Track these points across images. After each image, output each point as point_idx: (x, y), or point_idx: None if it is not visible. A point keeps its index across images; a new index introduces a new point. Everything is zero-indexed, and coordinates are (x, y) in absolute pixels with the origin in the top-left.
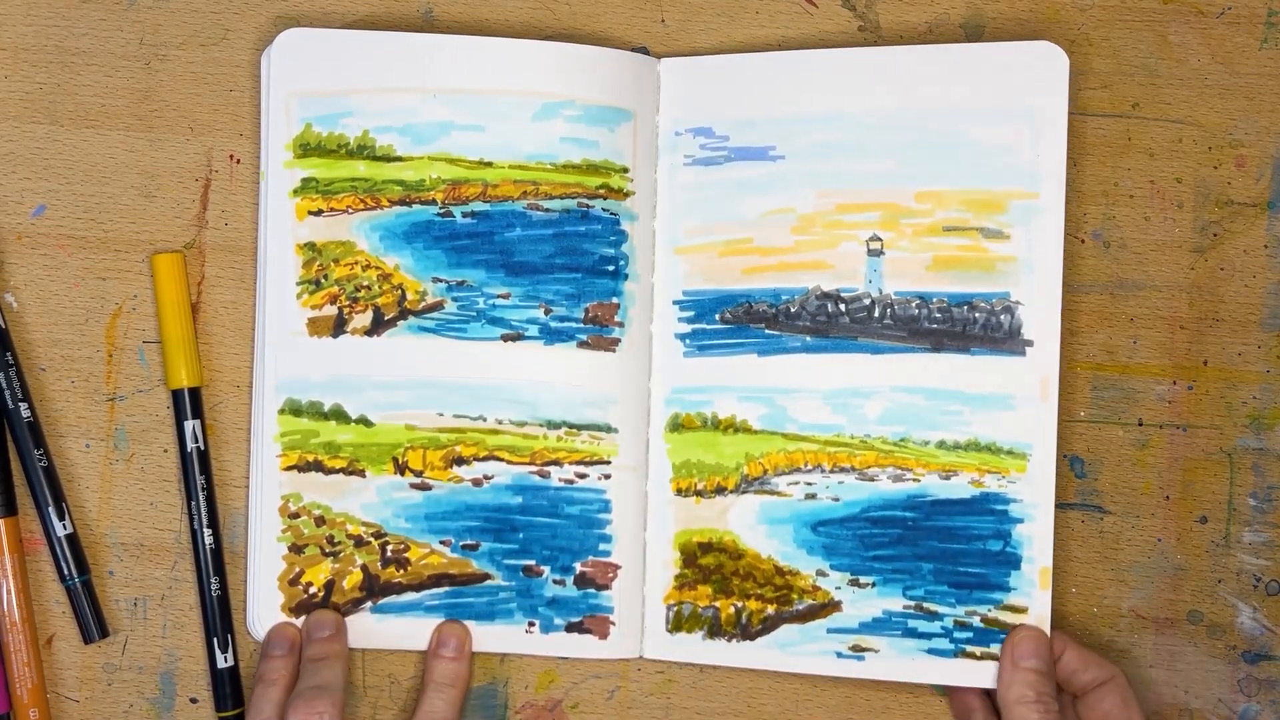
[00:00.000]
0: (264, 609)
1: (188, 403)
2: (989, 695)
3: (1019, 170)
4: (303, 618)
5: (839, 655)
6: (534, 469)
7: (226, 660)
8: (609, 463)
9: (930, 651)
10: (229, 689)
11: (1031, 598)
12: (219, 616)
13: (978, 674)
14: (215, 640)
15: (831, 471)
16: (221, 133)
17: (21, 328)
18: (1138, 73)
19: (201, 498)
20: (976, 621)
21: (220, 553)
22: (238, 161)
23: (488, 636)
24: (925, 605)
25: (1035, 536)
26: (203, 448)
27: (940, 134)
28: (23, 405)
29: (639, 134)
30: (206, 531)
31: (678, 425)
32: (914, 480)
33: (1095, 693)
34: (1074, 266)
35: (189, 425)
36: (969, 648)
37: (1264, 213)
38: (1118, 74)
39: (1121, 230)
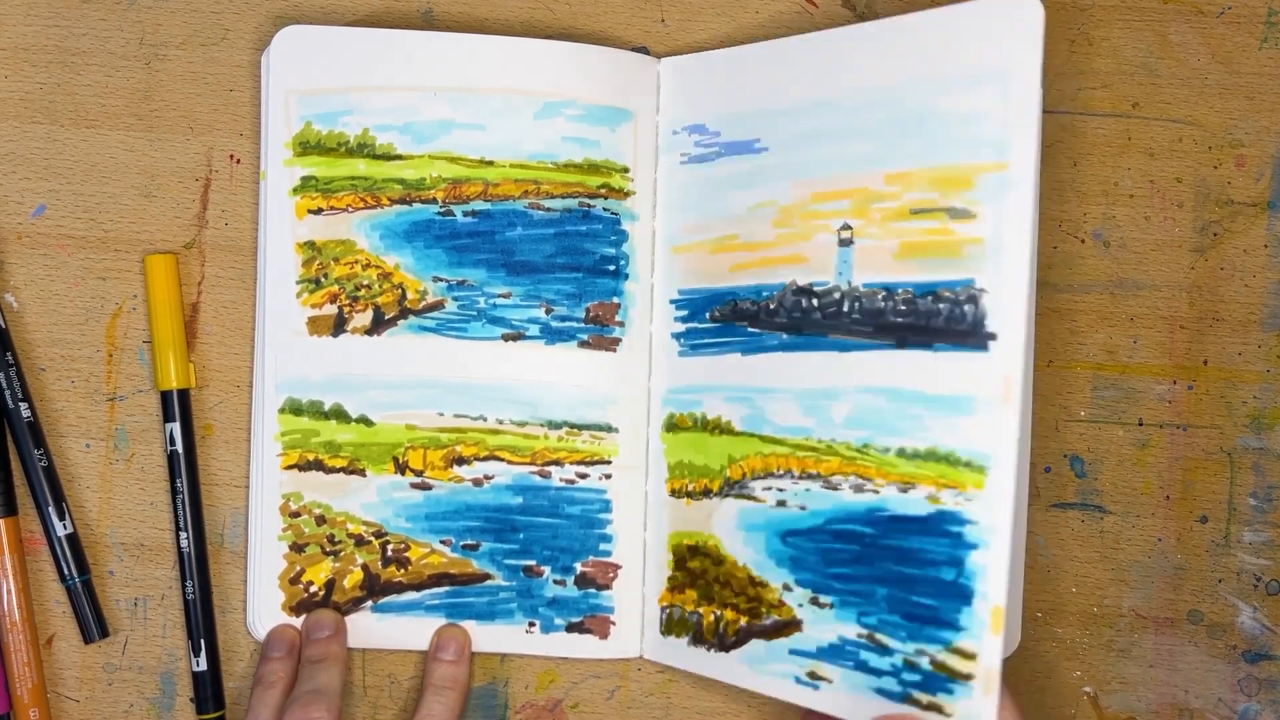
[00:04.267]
0: (264, 608)
1: (175, 404)
2: None
3: (987, 141)
4: (302, 617)
5: (797, 680)
6: (534, 469)
7: (199, 664)
8: (610, 463)
9: (879, 691)
10: (210, 691)
11: (982, 642)
12: (199, 619)
13: None
14: (190, 644)
15: (800, 478)
16: (221, 133)
17: (21, 328)
18: (1138, 73)
19: (179, 500)
20: (925, 664)
21: (204, 556)
22: (238, 161)
23: (488, 636)
24: (877, 636)
25: (989, 568)
26: (181, 450)
27: (911, 109)
28: (23, 405)
29: (639, 134)
30: (183, 535)
31: (673, 425)
32: (873, 492)
33: None
34: (1074, 266)
35: (169, 428)
36: (915, 693)
37: (1264, 213)
38: (1118, 74)
39: (1121, 230)
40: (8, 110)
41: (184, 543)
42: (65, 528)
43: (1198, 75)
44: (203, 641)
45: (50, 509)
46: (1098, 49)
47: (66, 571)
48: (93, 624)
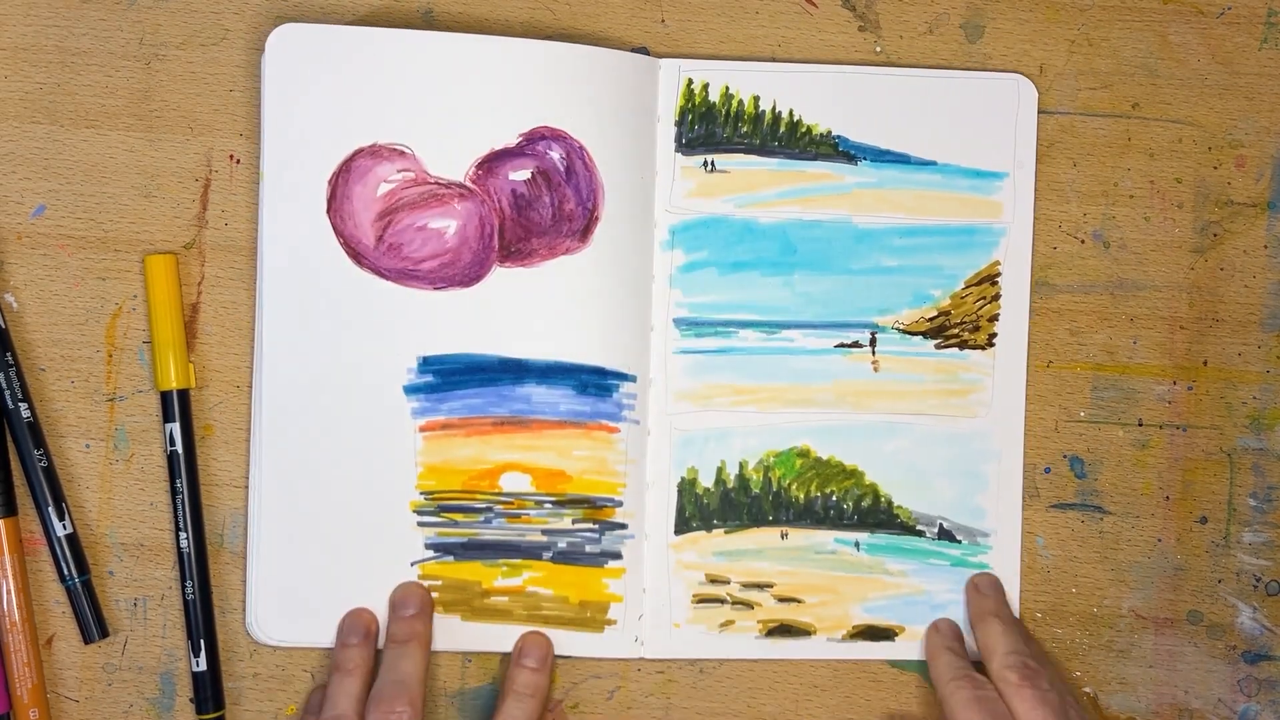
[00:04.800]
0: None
1: (175, 404)
2: None
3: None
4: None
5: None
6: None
7: (199, 664)
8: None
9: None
10: (209, 691)
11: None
12: (199, 619)
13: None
14: (189, 644)
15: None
16: (221, 133)
17: (21, 328)
18: (1138, 73)
19: (179, 500)
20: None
21: (204, 556)
22: (238, 161)
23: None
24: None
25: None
26: (181, 450)
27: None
28: (23, 405)
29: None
30: (183, 535)
31: None
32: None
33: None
34: (1074, 266)
35: (169, 428)
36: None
37: (1264, 213)
38: (1118, 74)
39: (1121, 230)
40: (8, 110)
41: (184, 543)
42: (65, 528)
43: (1198, 75)
44: (202, 642)
45: (50, 509)
46: (1098, 49)
47: (66, 571)
48: (92, 624)
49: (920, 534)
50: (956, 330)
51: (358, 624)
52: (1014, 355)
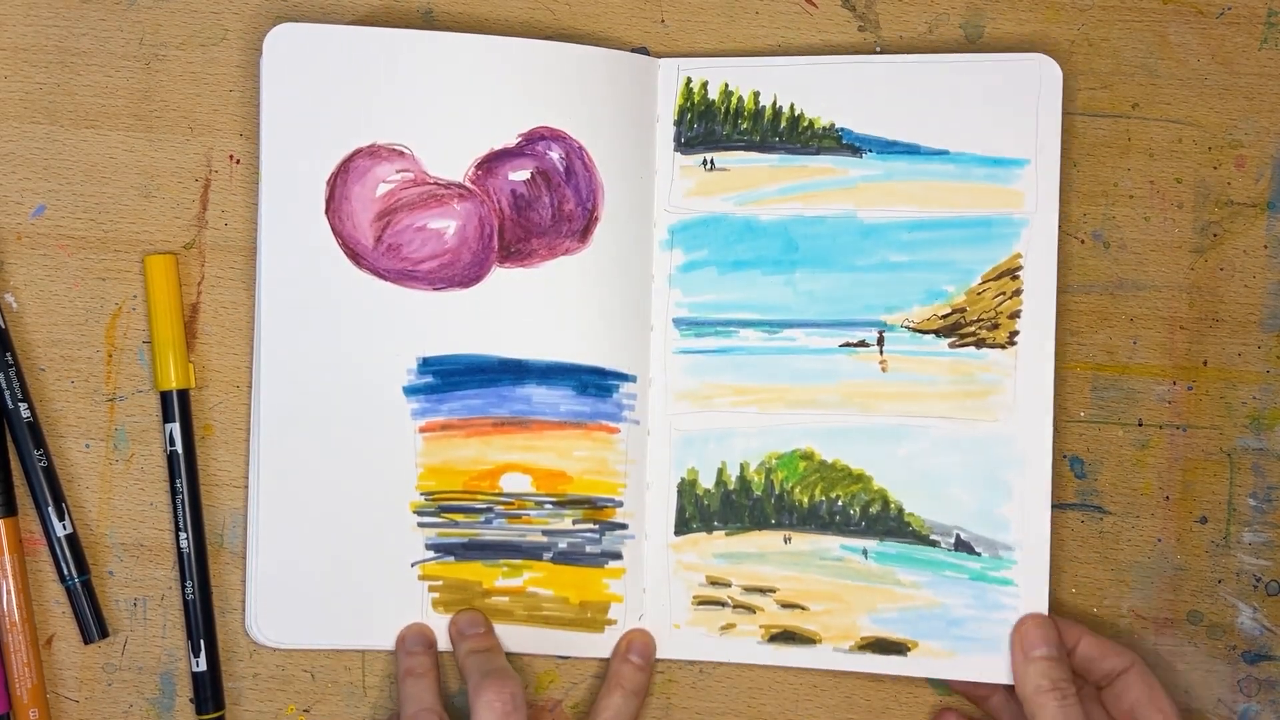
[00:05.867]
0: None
1: (175, 405)
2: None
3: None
4: (449, 616)
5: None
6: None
7: (199, 664)
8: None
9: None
10: (209, 691)
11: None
12: (199, 620)
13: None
14: (189, 644)
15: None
16: (221, 133)
17: (21, 328)
18: (1138, 73)
19: (179, 500)
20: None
21: (204, 556)
22: (237, 162)
23: None
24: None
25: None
26: (181, 450)
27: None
28: (23, 405)
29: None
30: (183, 535)
31: None
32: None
33: (1118, 683)
34: (1074, 266)
35: (169, 428)
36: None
37: (1264, 213)
38: (1118, 74)
39: (1121, 230)
40: (8, 110)
41: (184, 543)
42: (65, 528)
43: (1198, 75)
44: (202, 642)
45: (50, 509)
46: (1098, 49)
47: (66, 572)
48: (92, 624)
49: (934, 544)
50: (973, 328)
51: (421, 635)
52: (1039, 354)
